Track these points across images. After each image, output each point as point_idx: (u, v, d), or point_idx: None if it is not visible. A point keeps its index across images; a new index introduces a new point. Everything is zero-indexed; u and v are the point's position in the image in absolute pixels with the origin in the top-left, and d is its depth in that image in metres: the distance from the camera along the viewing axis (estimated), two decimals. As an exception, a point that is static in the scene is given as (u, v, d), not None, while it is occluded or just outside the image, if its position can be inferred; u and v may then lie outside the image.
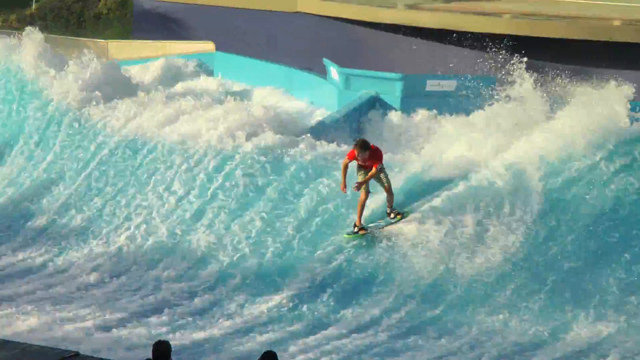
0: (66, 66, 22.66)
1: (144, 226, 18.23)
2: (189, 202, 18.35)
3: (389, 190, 17.01)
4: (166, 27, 31.15)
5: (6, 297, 16.03)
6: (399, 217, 17.05)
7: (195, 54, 27.70)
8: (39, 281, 16.93)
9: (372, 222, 17.11)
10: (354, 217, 16.91)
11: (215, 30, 29.29)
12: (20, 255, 18.09)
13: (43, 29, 25.67)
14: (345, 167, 16.87)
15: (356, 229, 16.96)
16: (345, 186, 16.89)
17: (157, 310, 15.65)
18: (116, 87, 22.41)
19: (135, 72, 25.03)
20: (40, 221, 19.18)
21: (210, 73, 26.69)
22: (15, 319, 14.82)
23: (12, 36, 24.33)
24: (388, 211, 17.18)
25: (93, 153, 20.20)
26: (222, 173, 18.59)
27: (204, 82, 25.54)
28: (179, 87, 25.12)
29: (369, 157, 16.69)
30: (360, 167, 16.85)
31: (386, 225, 17.01)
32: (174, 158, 19.22)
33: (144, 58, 28.40)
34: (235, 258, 17.10)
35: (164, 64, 26.87)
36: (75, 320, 15.00)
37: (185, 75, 26.05)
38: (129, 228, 18.30)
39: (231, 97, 22.19)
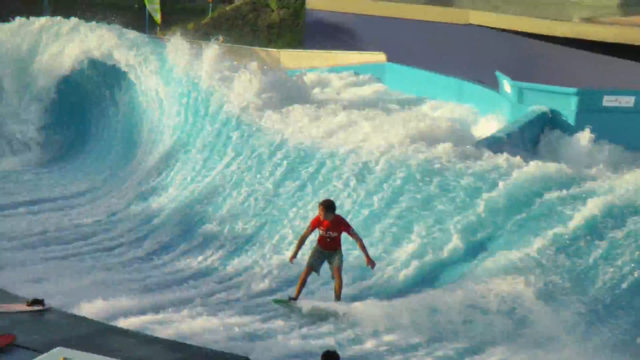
0: (240, 75, 23.00)
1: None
2: (357, 211, 18.24)
3: (338, 273, 15.32)
4: (337, 37, 31.50)
5: (178, 299, 16.35)
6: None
7: (366, 64, 27.83)
8: (210, 285, 17.20)
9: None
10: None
11: (386, 41, 29.42)
12: (192, 259, 18.45)
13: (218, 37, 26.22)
14: (304, 239, 15.43)
15: (288, 298, 15.75)
16: (294, 256, 15.47)
17: (324, 318, 15.56)
18: (288, 95, 22.66)
19: (306, 81, 25.24)
20: (212, 226, 19.46)
21: (381, 83, 26.77)
22: (186, 321, 15.05)
23: (189, 45, 24.86)
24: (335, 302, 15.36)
25: (264, 161, 20.40)
26: (390, 184, 18.32)
27: (374, 92, 25.62)
28: (350, 96, 25.26)
29: (333, 222, 15.17)
30: (321, 249, 15.33)
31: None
32: (344, 167, 19.14)
33: (315, 67, 28.75)
34: (394, 270, 16.82)
35: (335, 74, 27.11)
36: (244, 325, 15.14)
37: (356, 85, 26.17)
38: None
39: (401, 107, 22.12)
